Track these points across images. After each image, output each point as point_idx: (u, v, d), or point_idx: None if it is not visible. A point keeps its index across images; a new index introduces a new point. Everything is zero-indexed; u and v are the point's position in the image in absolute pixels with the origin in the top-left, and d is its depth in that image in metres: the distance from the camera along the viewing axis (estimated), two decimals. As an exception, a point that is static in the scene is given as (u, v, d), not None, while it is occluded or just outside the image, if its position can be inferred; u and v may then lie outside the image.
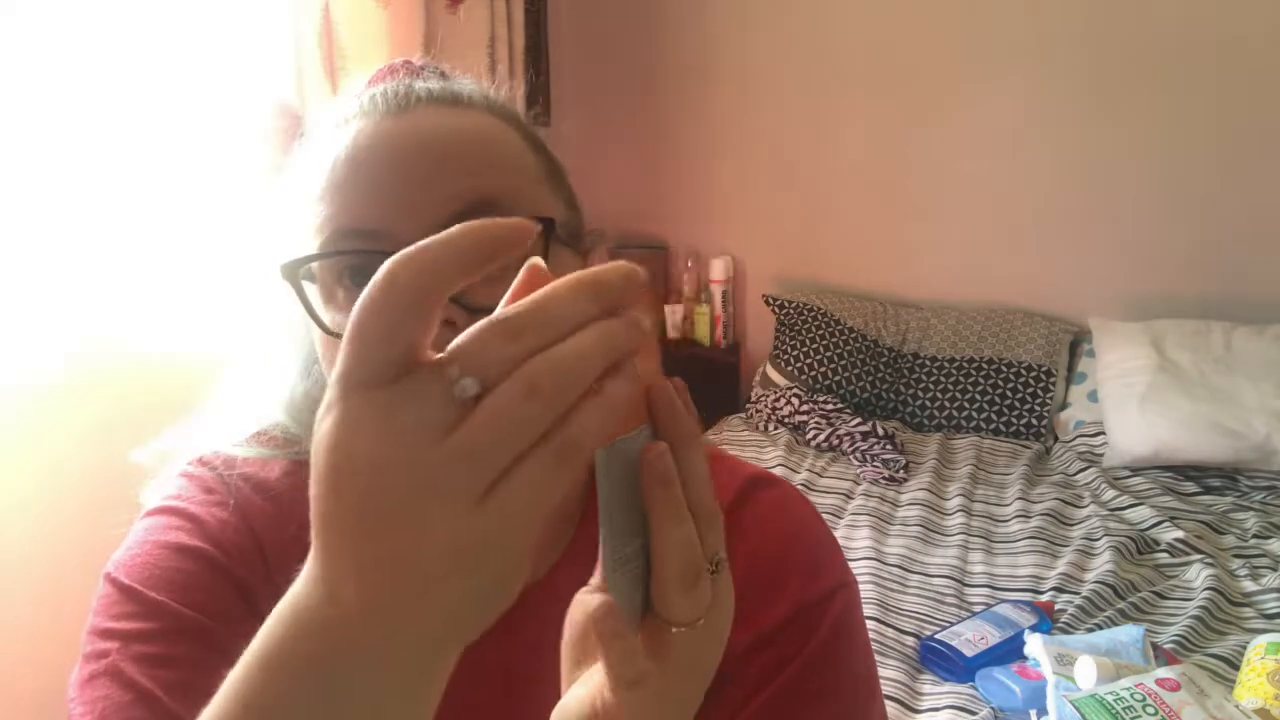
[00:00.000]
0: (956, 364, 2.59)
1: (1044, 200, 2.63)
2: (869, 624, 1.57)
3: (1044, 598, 1.70)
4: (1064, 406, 2.50)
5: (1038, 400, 2.48)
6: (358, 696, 0.30)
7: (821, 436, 2.43)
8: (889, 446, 2.34)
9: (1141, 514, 1.99)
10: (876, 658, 0.67)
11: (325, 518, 0.29)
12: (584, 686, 0.38)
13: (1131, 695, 1.18)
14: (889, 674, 1.47)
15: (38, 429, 1.62)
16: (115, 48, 1.67)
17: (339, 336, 0.53)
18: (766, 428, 2.57)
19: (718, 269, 3.00)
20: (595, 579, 0.38)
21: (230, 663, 0.33)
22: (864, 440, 2.37)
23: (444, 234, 0.29)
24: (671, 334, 3.07)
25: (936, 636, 1.53)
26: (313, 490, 0.30)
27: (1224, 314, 2.38)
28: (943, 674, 1.49)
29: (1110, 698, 1.19)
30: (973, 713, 1.37)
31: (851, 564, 1.80)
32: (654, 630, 0.37)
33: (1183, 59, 2.42)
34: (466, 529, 0.27)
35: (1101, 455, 2.29)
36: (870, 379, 2.65)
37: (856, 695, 0.60)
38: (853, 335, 2.70)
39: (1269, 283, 2.41)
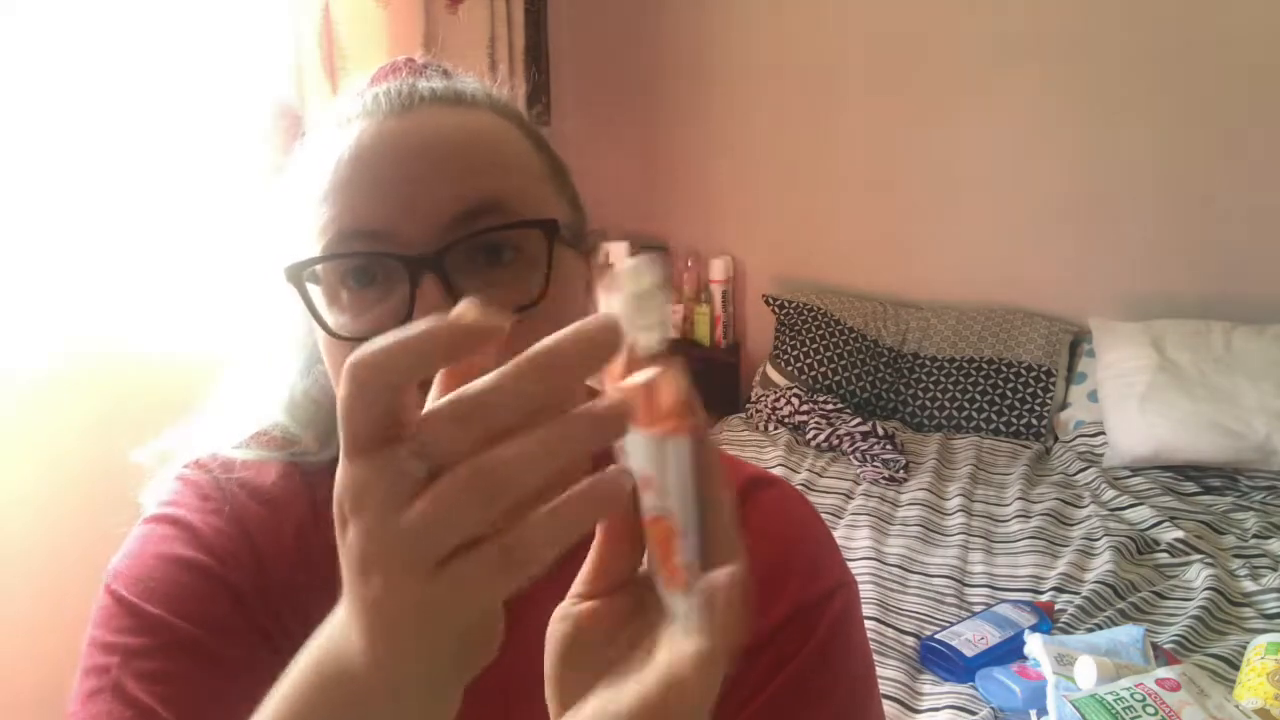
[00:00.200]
0: (956, 364, 2.59)
1: (1044, 200, 2.63)
2: (869, 624, 1.58)
3: (1044, 598, 1.70)
4: (1064, 406, 2.50)
5: (1038, 400, 2.48)
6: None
7: (821, 436, 2.43)
8: (889, 446, 2.34)
9: (1141, 514, 1.99)
10: (876, 658, 0.67)
11: (341, 555, 0.32)
12: (624, 685, 0.34)
13: (1131, 695, 1.18)
14: (889, 674, 1.47)
15: (37, 424, 1.62)
16: (115, 47, 1.67)
17: (343, 338, 0.53)
18: (766, 428, 2.57)
19: (717, 269, 3.00)
20: (577, 588, 0.37)
21: (226, 674, 0.35)
22: (864, 440, 2.37)
23: (405, 333, 0.29)
24: (671, 334, 3.07)
25: (936, 636, 1.53)
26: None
27: (1224, 314, 2.38)
28: (943, 674, 1.49)
29: (1110, 698, 1.19)
30: (973, 713, 1.37)
31: (851, 564, 1.80)
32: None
33: (1183, 59, 2.42)
34: (427, 592, 0.29)
35: (1101, 455, 2.29)
36: (870, 379, 2.65)
37: (854, 695, 0.60)
38: (853, 335, 2.70)
39: (1269, 283, 2.41)
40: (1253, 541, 1.90)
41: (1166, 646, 1.50)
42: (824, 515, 0.74)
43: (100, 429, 1.61)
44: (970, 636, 1.50)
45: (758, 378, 2.83)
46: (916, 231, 2.81)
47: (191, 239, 1.80)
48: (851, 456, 2.35)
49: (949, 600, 1.72)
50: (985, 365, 2.56)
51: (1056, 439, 2.45)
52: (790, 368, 2.73)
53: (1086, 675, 1.28)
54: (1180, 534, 1.89)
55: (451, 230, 0.52)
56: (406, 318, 0.51)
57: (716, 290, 3.00)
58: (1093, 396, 2.43)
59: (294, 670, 0.35)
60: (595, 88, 3.15)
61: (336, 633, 0.33)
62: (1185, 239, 2.49)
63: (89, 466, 1.43)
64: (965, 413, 2.52)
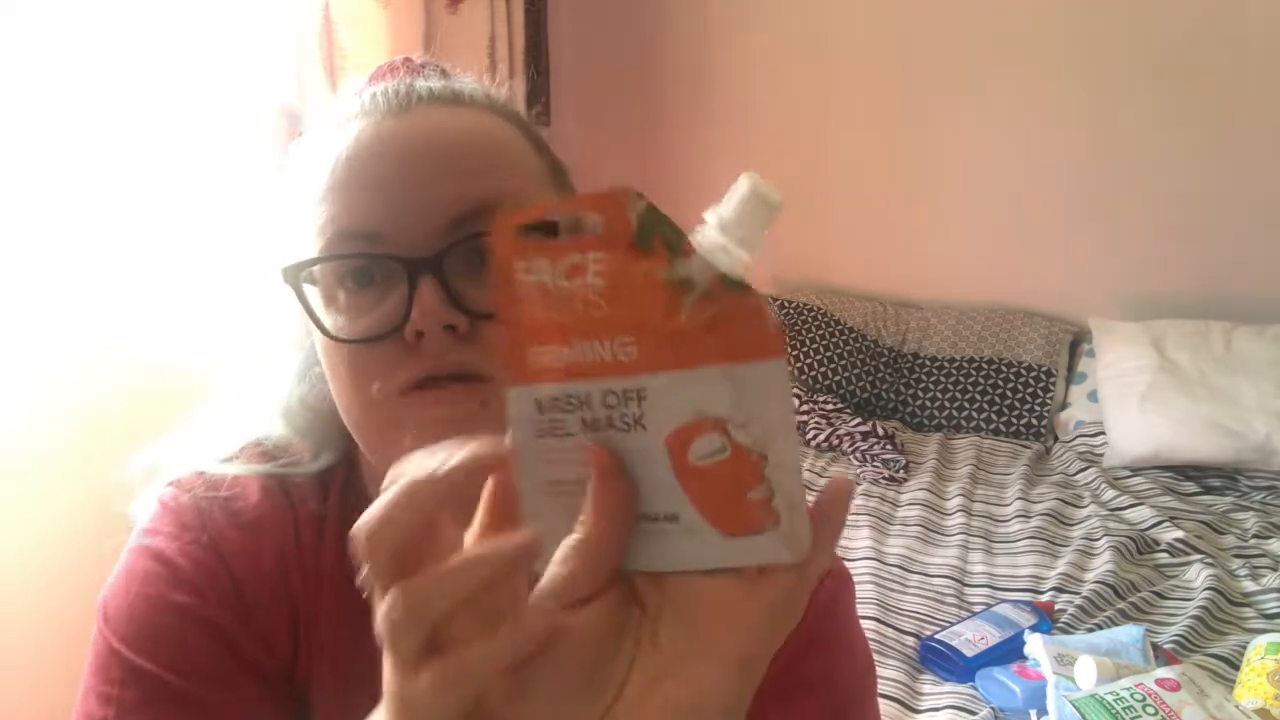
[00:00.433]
0: (957, 364, 2.59)
1: (1044, 200, 2.63)
2: (869, 624, 1.58)
3: (1044, 598, 1.70)
4: (1064, 406, 2.50)
5: (1038, 400, 2.48)
6: None
7: (821, 436, 2.43)
8: (889, 446, 2.34)
9: (1141, 514, 1.99)
10: (876, 658, 0.67)
11: None
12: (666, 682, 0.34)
13: (1131, 695, 1.18)
14: (889, 674, 1.47)
15: (32, 426, 1.62)
16: (115, 48, 1.67)
17: (340, 340, 0.53)
18: (766, 428, 2.56)
19: (718, 269, 2.99)
20: (558, 595, 0.37)
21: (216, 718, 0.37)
22: (864, 440, 2.37)
23: (445, 568, 0.33)
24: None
25: (936, 636, 1.53)
26: None
27: (1224, 314, 2.38)
28: (943, 674, 1.49)
29: (1110, 698, 1.19)
30: (973, 713, 1.37)
31: (851, 564, 1.81)
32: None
33: (1184, 58, 2.42)
34: (405, 684, 0.33)
35: (1101, 455, 2.29)
36: (870, 379, 2.65)
37: (850, 689, 0.60)
38: (853, 335, 2.70)
39: (1269, 283, 2.41)
40: (1253, 541, 1.90)
41: (1166, 646, 1.50)
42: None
43: (97, 428, 1.61)
44: (970, 636, 1.50)
45: (758, 378, 2.82)
46: (916, 231, 2.81)
47: (191, 241, 1.80)
48: (851, 456, 2.35)
49: (949, 600, 1.72)
50: (985, 365, 2.56)
51: (1056, 439, 2.45)
52: (790, 367, 2.73)
53: (1086, 675, 1.28)
54: (1180, 534, 1.89)
55: (450, 232, 0.52)
56: (404, 320, 0.51)
57: (716, 290, 3.00)
58: (1093, 396, 2.43)
59: None
60: (595, 88, 3.14)
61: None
62: (1185, 239, 2.49)
63: (83, 469, 1.43)
64: (965, 413, 2.52)
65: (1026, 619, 1.55)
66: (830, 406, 2.55)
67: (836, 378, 2.65)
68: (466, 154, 0.55)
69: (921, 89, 2.73)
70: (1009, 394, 2.50)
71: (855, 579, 0.66)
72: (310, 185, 0.56)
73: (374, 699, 0.35)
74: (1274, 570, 1.77)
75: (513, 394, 0.35)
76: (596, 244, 0.33)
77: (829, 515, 0.33)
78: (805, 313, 2.77)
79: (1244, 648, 1.44)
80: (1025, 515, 2.02)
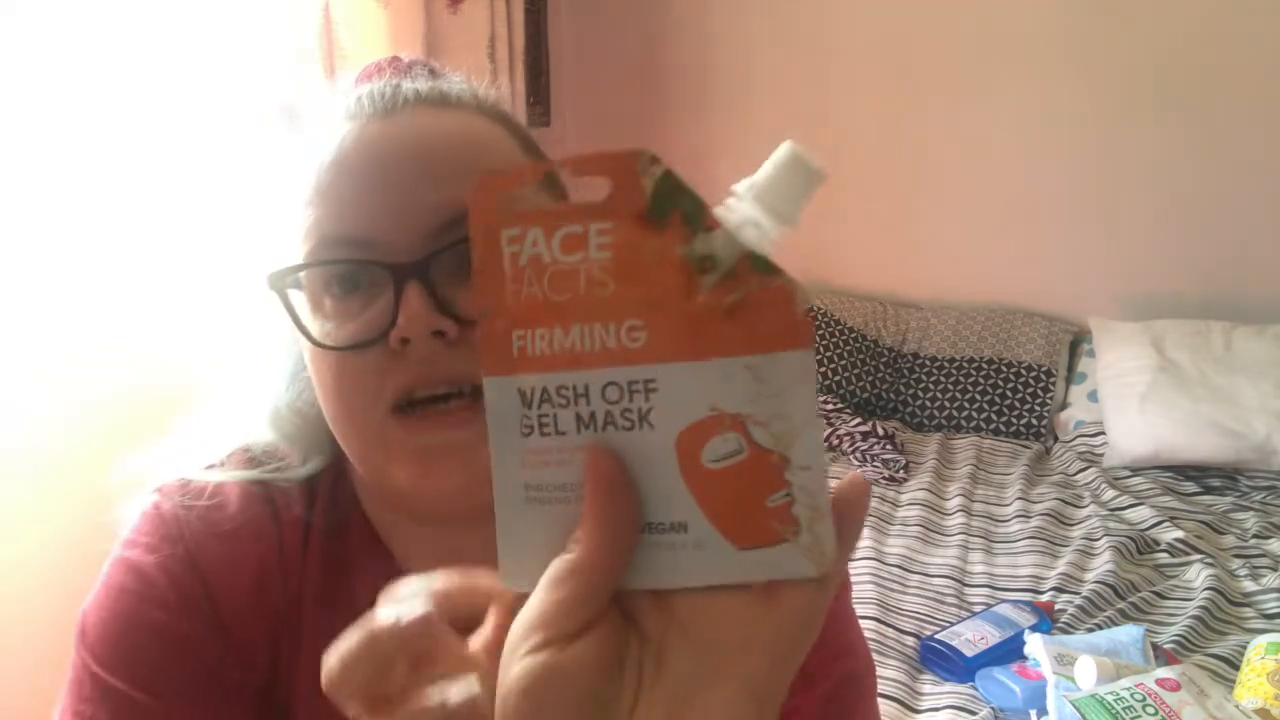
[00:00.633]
0: (956, 364, 2.59)
1: (1044, 200, 2.63)
2: (869, 624, 1.57)
3: (1044, 598, 1.69)
4: (1064, 406, 2.50)
5: (1038, 400, 2.48)
6: None
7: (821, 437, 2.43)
8: (889, 447, 2.34)
9: (1141, 514, 1.99)
10: (876, 658, 0.67)
11: None
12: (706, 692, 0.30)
13: (1131, 695, 1.18)
14: (889, 674, 1.47)
15: (32, 427, 1.62)
16: (115, 47, 1.67)
17: (325, 347, 0.53)
18: (766, 428, 2.56)
19: (718, 269, 2.99)
20: (545, 634, 0.39)
21: None
22: (864, 440, 2.37)
23: (340, 660, 0.35)
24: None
25: (936, 636, 1.53)
26: None
27: (1224, 314, 2.38)
28: (943, 674, 1.49)
29: (1110, 698, 1.19)
30: (973, 713, 1.37)
31: (851, 564, 1.80)
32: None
33: (1184, 58, 2.41)
34: None
35: (1101, 455, 2.29)
36: (870, 379, 2.65)
37: (851, 687, 0.60)
38: (853, 335, 2.70)
39: (1269, 283, 2.41)
40: (1253, 541, 1.89)
41: (1166, 646, 1.50)
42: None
43: (96, 431, 1.61)
44: (970, 636, 1.50)
45: (758, 378, 2.82)
46: (916, 231, 2.80)
47: (190, 241, 1.80)
48: (851, 457, 2.35)
49: (949, 600, 1.72)
50: (985, 365, 2.56)
51: (1056, 439, 2.45)
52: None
53: (1086, 675, 1.28)
54: (1180, 534, 1.89)
55: (436, 238, 0.52)
56: (390, 326, 0.50)
57: (716, 290, 3.00)
58: (1093, 396, 2.43)
59: None
60: (595, 88, 3.14)
61: None
62: (1185, 239, 2.49)
63: (83, 470, 1.43)
64: (965, 413, 2.52)
65: (1026, 619, 1.55)
66: (830, 407, 2.55)
67: (836, 378, 2.65)
68: (453, 157, 0.54)
69: (922, 89, 2.73)
70: (1009, 394, 2.50)
71: (855, 579, 0.66)
72: (296, 189, 0.55)
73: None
74: (1274, 570, 1.77)
75: (492, 384, 0.30)
76: (601, 213, 0.29)
77: (848, 518, 0.30)
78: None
79: (1244, 648, 1.44)
80: (1025, 515, 2.02)
